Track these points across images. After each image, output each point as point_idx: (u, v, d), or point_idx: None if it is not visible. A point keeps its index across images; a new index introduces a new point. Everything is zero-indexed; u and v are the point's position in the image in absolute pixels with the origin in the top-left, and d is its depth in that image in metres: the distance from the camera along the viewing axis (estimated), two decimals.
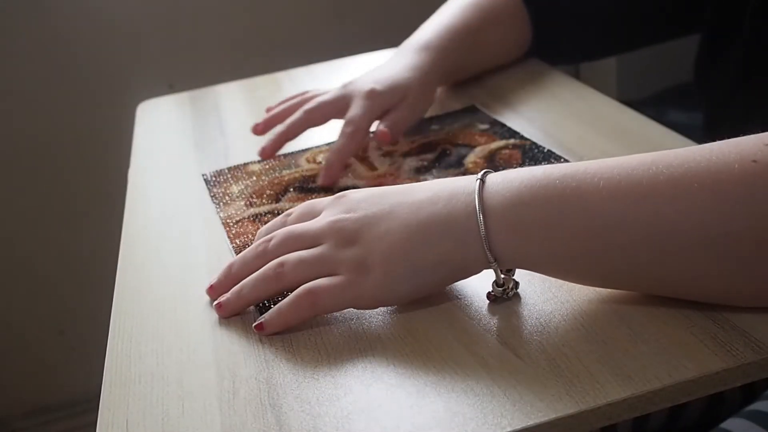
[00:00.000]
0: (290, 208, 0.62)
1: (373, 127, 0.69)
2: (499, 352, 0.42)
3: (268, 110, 0.74)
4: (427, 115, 0.76)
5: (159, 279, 0.55)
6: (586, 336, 0.42)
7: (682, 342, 0.41)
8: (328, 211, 0.50)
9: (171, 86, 1.42)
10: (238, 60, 1.47)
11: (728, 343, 0.40)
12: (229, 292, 0.50)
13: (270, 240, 0.50)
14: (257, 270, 0.49)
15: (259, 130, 0.72)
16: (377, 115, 0.69)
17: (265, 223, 0.60)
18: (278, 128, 0.70)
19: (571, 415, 0.37)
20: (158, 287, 0.54)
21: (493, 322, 0.45)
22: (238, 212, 0.62)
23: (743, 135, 0.41)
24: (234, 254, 0.56)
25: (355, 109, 0.68)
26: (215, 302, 0.50)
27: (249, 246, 0.56)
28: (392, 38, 0.79)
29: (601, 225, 0.41)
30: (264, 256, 0.50)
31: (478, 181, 0.45)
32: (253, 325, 0.47)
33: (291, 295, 0.47)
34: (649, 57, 0.90)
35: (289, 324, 0.47)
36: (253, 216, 0.61)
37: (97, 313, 0.87)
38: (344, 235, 0.47)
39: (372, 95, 0.68)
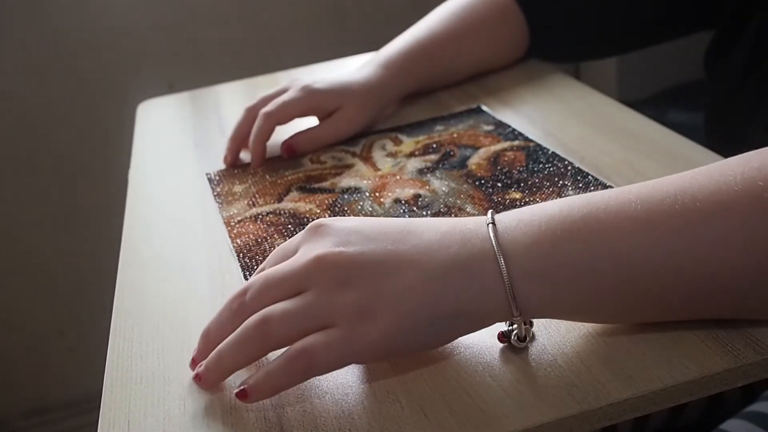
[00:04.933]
0: (292, 207, 0.62)
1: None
2: (500, 352, 0.42)
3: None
4: (432, 115, 0.76)
5: (159, 279, 0.55)
6: (588, 336, 0.42)
7: (683, 342, 0.41)
8: (309, 245, 0.42)
9: (171, 86, 1.42)
10: (238, 60, 1.48)
11: (729, 343, 0.40)
12: (207, 359, 0.42)
13: (245, 292, 0.42)
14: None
15: (229, 161, 0.72)
16: (304, 110, 0.71)
17: (267, 223, 0.60)
18: (231, 135, 0.73)
19: (572, 415, 0.37)
20: (159, 287, 0.54)
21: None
22: (240, 212, 0.62)
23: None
24: (235, 255, 0.56)
25: (283, 96, 0.71)
26: (193, 374, 0.43)
27: (248, 246, 0.57)
28: (392, 39, 0.79)
29: (630, 274, 0.39)
30: (242, 313, 0.41)
31: (490, 225, 0.41)
32: (234, 392, 0.40)
33: (281, 357, 0.40)
34: (649, 57, 0.90)
35: (280, 390, 0.41)
36: (254, 216, 0.61)
37: (97, 313, 0.88)
38: (336, 275, 0.40)
39: (305, 90, 0.71)
